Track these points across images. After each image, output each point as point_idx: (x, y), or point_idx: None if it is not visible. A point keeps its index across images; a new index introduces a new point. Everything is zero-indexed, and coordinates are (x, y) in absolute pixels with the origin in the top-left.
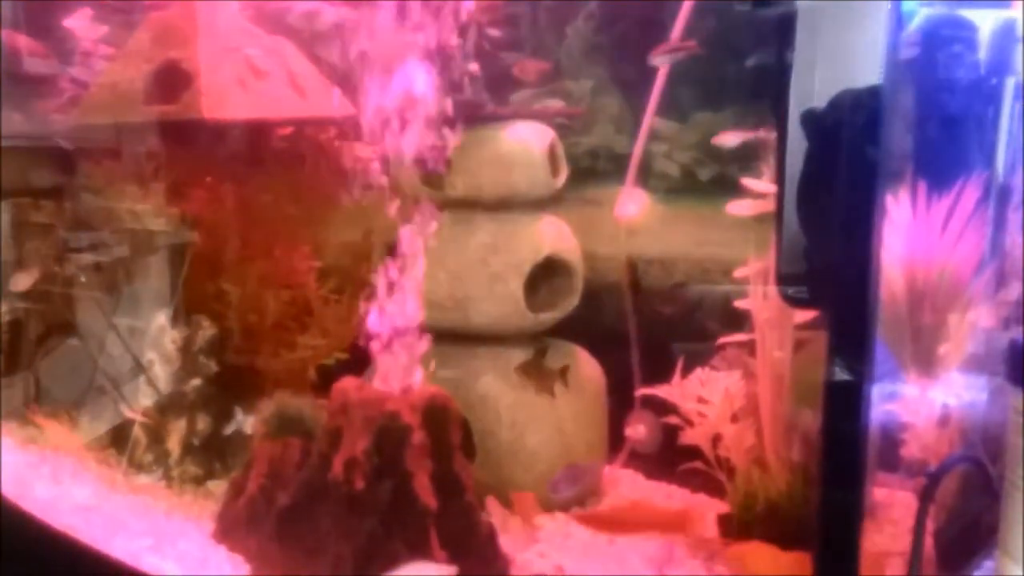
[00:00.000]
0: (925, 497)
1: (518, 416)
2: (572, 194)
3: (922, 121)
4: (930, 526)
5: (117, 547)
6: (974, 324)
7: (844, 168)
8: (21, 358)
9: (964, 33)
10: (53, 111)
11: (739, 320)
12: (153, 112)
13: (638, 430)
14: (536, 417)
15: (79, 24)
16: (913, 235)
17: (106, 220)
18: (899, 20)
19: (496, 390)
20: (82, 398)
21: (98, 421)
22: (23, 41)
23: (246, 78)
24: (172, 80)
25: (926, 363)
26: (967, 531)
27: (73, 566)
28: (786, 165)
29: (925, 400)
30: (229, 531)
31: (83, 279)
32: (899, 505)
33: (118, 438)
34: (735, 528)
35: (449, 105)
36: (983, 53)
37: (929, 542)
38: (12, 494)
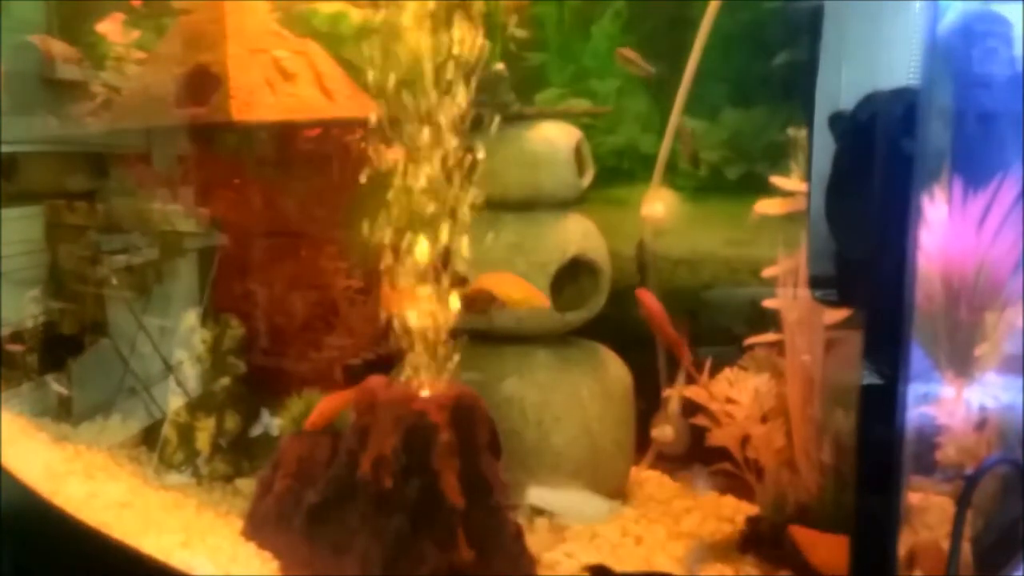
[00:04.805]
0: (962, 501)
1: (544, 416)
2: (598, 194)
3: (957, 117)
4: (967, 530)
5: (148, 543)
6: (1012, 324)
7: (880, 165)
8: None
9: (999, 28)
10: (86, 115)
11: (768, 320)
12: (183, 115)
13: (664, 431)
14: (562, 417)
15: (111, 29)
16: (949, 232)
17: (137, 222)
18: (934, 15)
19: (522, 391)
20: (113, 397)
21: (129, 419)
22: (57, 46)
23: (274, 80)
24: (202, 83)
25: (962, 364)
26: (1005, 535)
27: (105, 561)
28: (816, 163)
29: (961, 402)
30: (258, 528)
31: (114, 281)
32: (935, 509)
33: (149, 436)
34: (765, 530)
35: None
36: (1019, 48)
37: (966, 547)
38: (46, 491)
